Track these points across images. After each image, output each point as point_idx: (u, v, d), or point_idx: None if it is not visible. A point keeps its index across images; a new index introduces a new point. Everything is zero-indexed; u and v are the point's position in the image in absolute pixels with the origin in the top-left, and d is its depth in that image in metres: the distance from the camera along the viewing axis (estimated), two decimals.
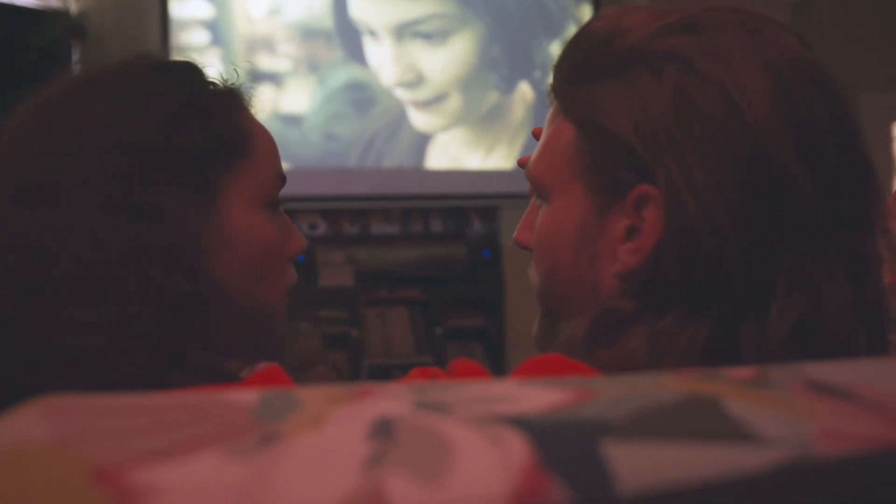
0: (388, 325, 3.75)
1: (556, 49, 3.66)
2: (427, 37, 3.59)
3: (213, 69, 0.71)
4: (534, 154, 0.59)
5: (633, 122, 0.51)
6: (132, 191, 0.61)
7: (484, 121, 3.67)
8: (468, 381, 0.36)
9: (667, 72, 0.51)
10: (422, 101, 3.62)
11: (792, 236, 0.49)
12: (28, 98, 0.67)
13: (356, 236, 3.76)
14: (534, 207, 0.61)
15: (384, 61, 3.58)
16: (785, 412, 0.31)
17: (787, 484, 0.28)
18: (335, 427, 0.30)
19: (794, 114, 0.50)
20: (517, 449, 0.28)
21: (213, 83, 0.70)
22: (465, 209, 3.77)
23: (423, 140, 3.65)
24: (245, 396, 0.33)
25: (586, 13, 3.67)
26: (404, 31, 3.58)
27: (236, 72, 0.72)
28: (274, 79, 3.48)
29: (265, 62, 3.47)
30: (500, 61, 3.66)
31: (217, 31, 3.44)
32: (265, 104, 3.31)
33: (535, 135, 0.63)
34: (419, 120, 3.63)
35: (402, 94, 3.61)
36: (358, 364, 3.65)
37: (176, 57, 0.71)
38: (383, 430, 0.29)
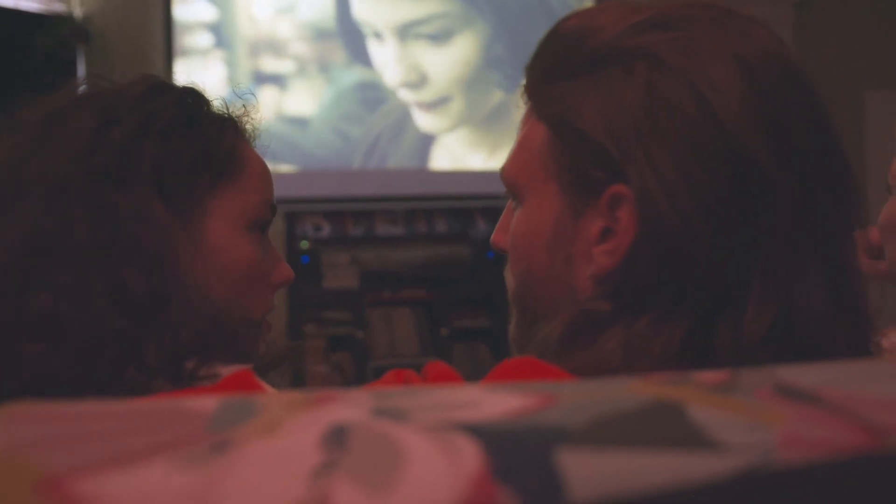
0: (392, 326, 3.75)
1: None
2: (431, 37, 3.58)
3: (218, 99, 0.74)
4: (508, 155, 0.58)
5: (605, 121, 0.50)
6: (102, 188, 0.63)
7: (488, 121, 3.66)
8: (433, 387, 0.35)
9: (638, 69, 0.50)
10: (426, 103, 3.61)
11: (766, 233, 0.49)
12: (32, 102, 0.70)
13: (361, 237, 3.76)
14: (510, 210, 0.60)
15: (388, 62, 3.57)
16: (749, 418, 0.30)
17: (747, 491, 0.28)
18: (289, 434, 0.29)
19: (765, 108, 0.49)
20: (469, 457, 0.28)
21: (211, 108, 0.73)
22: (469, 210, 3.76)
23: (426, 141, 3.65)
24: (204, 403, 0.33)
25: None
26: (408, 32, 3.57)
27: (240, 99, 0.75)
28: (278, 80, 3.49)
29: (269, 64, 3.48)
30: (504, 60, 3.66)
31: (220, 34, 3.45)
32: (269, 106, 3.33)
33: None
34: (423, 121, 3.63)
35: (406, 95, 3.61)
36: (363, 365, 3.65)
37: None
38: (336, 437, 0.29)
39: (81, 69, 3.30)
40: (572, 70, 0.53)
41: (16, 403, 0.32)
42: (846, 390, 0.33)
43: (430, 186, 3.66)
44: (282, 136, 3.41)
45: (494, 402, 0.32)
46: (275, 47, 3.50)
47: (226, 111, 0.73)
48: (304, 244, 3.68)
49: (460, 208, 3.76)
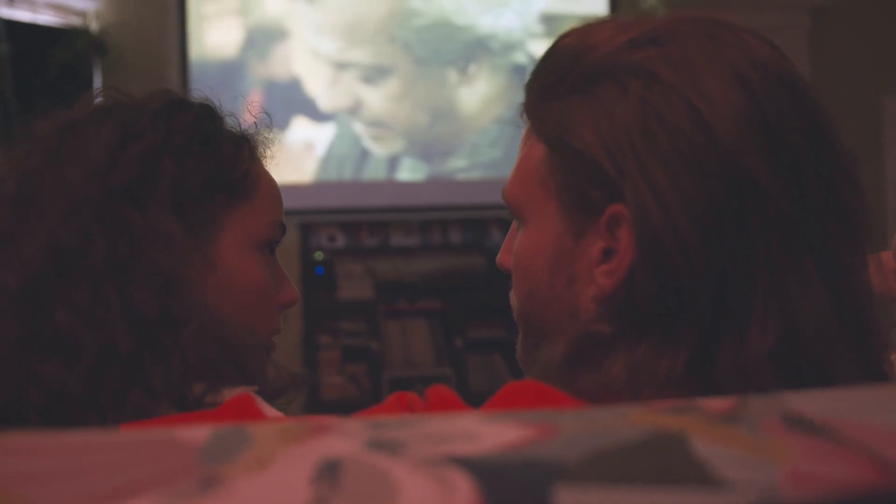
0: (407, 337, 3.75)
1: None
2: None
3: (232, 117, 0.73)
4: (510, 175, 0.57)
5: (600, 139, 0.49)
6: (120, 206, 0.63)
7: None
8: (430, 416, 0.35)
9: (632, 86, 0.49)
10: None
11: (765, 251, 0.47)
12: (50, 113, 0.70)
13: (375, 248, 3.76)
14: (514, 230, 0.59)
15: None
16: (754, 453, 0.29)
17: None
18: (280, 470, 0.29)
19: (763, 121, 0.48)
20: (463, 493, 0.27)
21: (226, 126, 0.72)
22: (483, 220, 3.76)
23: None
24: (196, 434, 0.32)
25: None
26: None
27: (252, 117, 0.75)
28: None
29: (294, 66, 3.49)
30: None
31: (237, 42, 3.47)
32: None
33: None
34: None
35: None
36: (378, 376, 3.65)
37: (197, 91, 0.74)
38: (328, 473, 0.28)
39: (98, 82, 3.33)
40: (568, 88, 0.52)
41: (8, 434, 0.32)
42: (857, 420, 0.32)
43: (445, 197, 3.66)
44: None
45: (491, 433, 0.31)
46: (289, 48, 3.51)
47: (239, 129, 0.73)
48: (319, 255, 3.68)
49: (475, 218, 3.75)
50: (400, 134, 3.58)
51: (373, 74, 3.53)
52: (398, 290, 3.76)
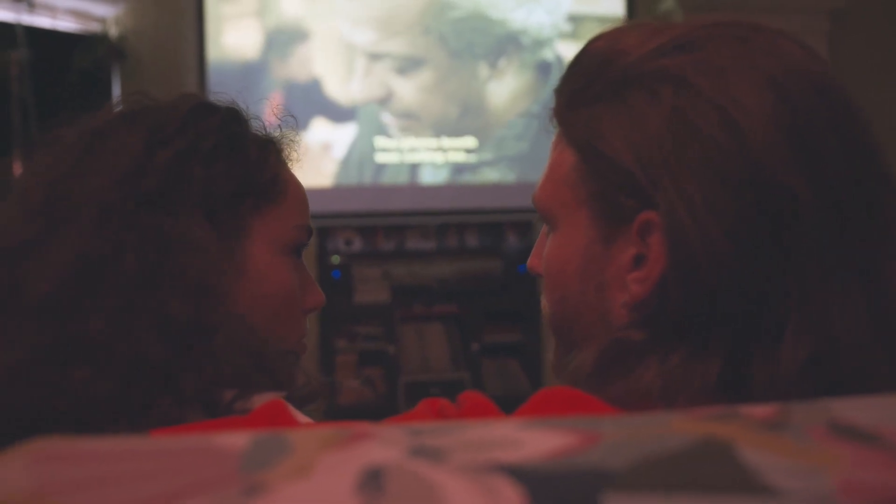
0: (424, 341, 3.74)
1: None
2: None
3: (257, 120, 0.73)
4: (540, 180, 0.57)
5: (631, 147, 0.49)
6: (151, 213, 0.63)
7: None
8: (469, 423, 0.34)
9: (663, 93, 0.48)
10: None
11: (799, 262, 0.46)
12: (74, 119, 0.70)
13: (392, 252, 3.76)
14: (544, 235, 0.59)
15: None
16: (804, 461, 0.29)
17: None
18: (322, 477, 0.28)
19: (796, 129, 0.47)
20: (511, 501, 0.26)
21: (251, 129, 0.72)
22: (500, 224, 3.75)
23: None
24: (234, 441, 0.32)
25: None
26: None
27: (277, 119, 0.74)
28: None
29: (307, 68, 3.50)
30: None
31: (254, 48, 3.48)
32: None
33: None
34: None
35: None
36: (394, 380, 3.64)
37: (218, 95, 0.73)
38: (373, 480, 0.28)
39: (117, 88, 3.35)
40: (598, 94, 0.51)
41: (41, 441, 0.31)
42: None
43: (462, 201, 3.66)
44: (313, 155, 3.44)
45: (534, 440, 0.31)
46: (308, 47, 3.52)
47: (264, 131, 0.73)
48: (336, 259, 3.69)
49: (491, 223, 3.75)
50: (428, 126, 3.58)
51: (406, 65, 3.54)
52: (414, 294, 3.75)
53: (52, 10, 3.32)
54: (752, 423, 0.32)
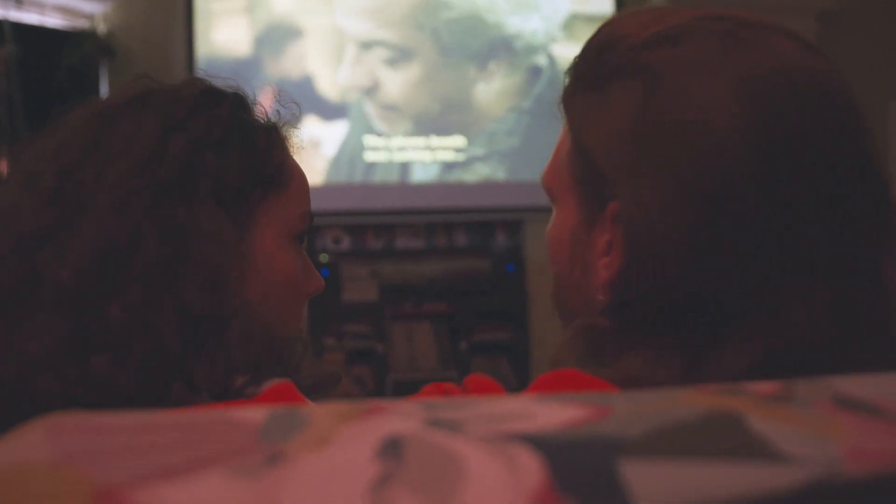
0: (413, 340, 3.74)
1: None
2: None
3: (260, 106, 0.73)
4: (548, 161, 0.59)
5: (602, 138, 0.51)
6: (167, 202, 0.63)
7: None
8: (482, 398, 0.35)
9: (636, 87, 0.49)
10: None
11: (749, 265, 0.46)
12: (81, 102, 0.69)
13: (381, 251, 3.76)
14: None
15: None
16: (811, 430, 0.30)
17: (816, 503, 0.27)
18: (342, 446, 0.29)
19: (759, 133, 0.47)
20: (530, 469, 0.27)
21: (257, 115, 0.72)
22: (489, 223, 3.76)
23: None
24: (252, 414, 0.32)
25: None
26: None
27: (279, 106, 0.74)
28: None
29: (292, 66, 3.50)
30: None
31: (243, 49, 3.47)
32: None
33: None
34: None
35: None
36: (383, 379, 3.65)
37: (220, 83, 0.73)
38: (392, 449, 0.29)
39: (105, 85, 3.34)
40: (590, 82, 0.53)
41: (59, 415, 0.32)
42: None
43: (451, 200, 3.66)
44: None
45: (548, 413, 0.32)
46: (298, 48, 3.52)
47: (267, 118, 0.73)
48: (325, 257, 3.69)
49: (481, 222, 3.75)
50: (409, 119, 3.58)
51: (396, 57, 3.54)
52: (403, 293, 3.76)
53: (40, 7, 3.30)
54: (757, 397, 0.33)
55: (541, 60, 3.61)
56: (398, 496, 0.26)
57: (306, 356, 0.66)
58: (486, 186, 3.66)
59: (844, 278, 0.48)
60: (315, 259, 3.66)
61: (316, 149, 3.54)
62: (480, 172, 3.63)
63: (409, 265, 3.79)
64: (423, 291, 3.76)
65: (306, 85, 3.51)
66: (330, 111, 3.54)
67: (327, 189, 3.53)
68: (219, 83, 0.72)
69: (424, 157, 3.61)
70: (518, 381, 3.68)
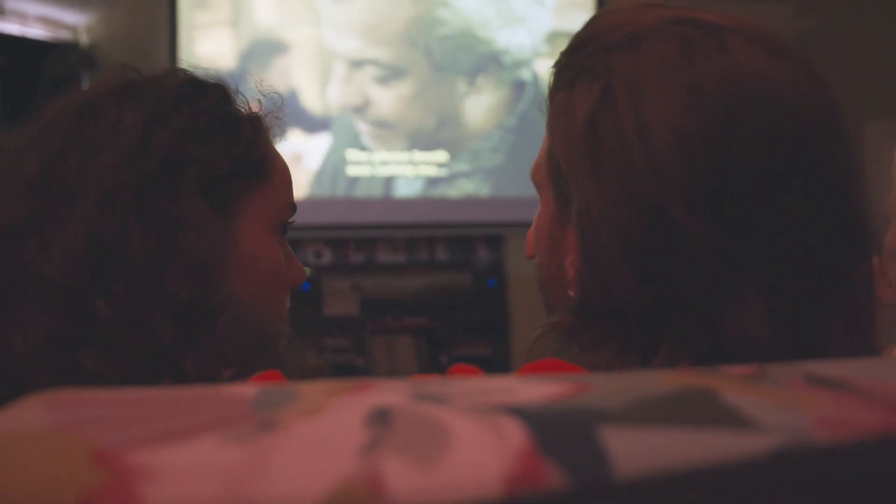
0: (393, 354, 3.74)
1: None
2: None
3: (241, 96, 0.73)
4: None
5: (564, 138, 0.52)
6: (153, 195, 0.63)
7: None
8: (465, 378, 0.36)
9: (592, 90, 0.50)
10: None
11: (682, 269, 0.47)
12: (62, 95, 0.69)
13: (362, 265, 3.77)
14: None
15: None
16: (782, 402, 0.31)
17: (785, 469, 0.28)
18: (333, 415, 0.30)
19: (702, 143, 0.47)
20: (514, 435, 0.28)
21: (239, 105, 0.72)
22: (470, 238, 3.78)
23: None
24: (244, 390, 0.33)
25: None
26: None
27: (261, 96, 0.75)
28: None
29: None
30: None
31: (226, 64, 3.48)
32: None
33: None
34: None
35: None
36: None
37: (207, 76, 0.73)
38: (381, 418, 0.30)
39: None
40: (564, 81, 0.54)
41: (55, 390, 0.33)
42: (875, 380, 0.33)
43: (433, 215, 3.68)
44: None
45: (530, 388, 0.33)
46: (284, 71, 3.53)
47: (249, 109, 0.73)
48: (306, 271, 3.69)
49: (462, 236, 3.77)
50: (402, 136, 3.59)
51: (388, 75, 3.55)
52: (384, 307, 3.76)
53: (22, 17, 3.30)
54: (732, 376, 0.34)
55: (526, 75, 3.64)
56: (386, 458, 0.27)
57: (291, 349, 0.67)
58: (468, 202, 3.68)
59: (788, 282, 0.48)
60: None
61: (298, 162, 3.54)
62: (465, 189, 3.65)
63: (391, 279, 3.79)
64: (405, 306, 3.77)
65: (292, 99, 3.53)
66: (313, 124, 3.55)
67: (309, 203, 3.53)
68: (200, 73, 0.72)
69: (408, 172, 3.62)
70: None
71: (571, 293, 0.52)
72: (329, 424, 0.29)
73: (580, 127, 0.50)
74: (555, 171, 0.54)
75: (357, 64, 3.55)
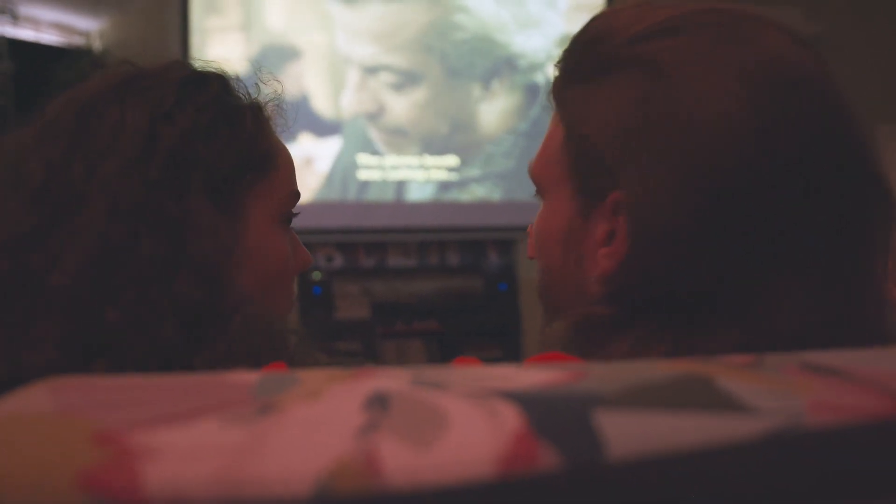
0: (404, 358, 3.75)
1: None
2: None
3: (241, 83, 0.72)
4: (537, 151, 0.60)
5: (605, 128, 0.51)
6: (161, 199, 0.62)
7: None
8: (466, 367, 0.36)
9: (638, 77, 0.51)
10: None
11: (749, 252, 0.48)
12: (59, 95, 0.67)
13: (373, 269, 3.77)
14: None
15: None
16: (777, 387, 0.31)
17: (779, 451, 0.28)
18: (332, 399, 0.30)
19: (762, 123, 0.48)
20: (510, 417, 0.29)
21: (241, 95, 0.71)
22: (481, 242, 3.78)
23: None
24: (245, 376, 0.34)
25: None
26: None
27: (261, 83, 0.74)
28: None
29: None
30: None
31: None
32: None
33: None
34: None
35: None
36: None
37: (207, 67, 0.72)
38: (379, 401, 0.30)
39: None
40: (585, 74, 0.54)
41: (59, 378, 0.33)
42: (868, 366, 0.33)
43: (443, 219, 3.68)
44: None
45: (528, 375, 0.33)
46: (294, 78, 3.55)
47: (249, 97, 0.72)
48: (317, 275, 3.69)
49: (473, 240, 3.77)
50: (416, 142, 3.60)
51: (403, 81, 3.56)
52: (395, 311, 3.76)
53: (35, 23, 3.33)
54: (729, 364, 0.35)
55: (539, 78, 3.64)
56: (383, 439, 0.27)
57: (302, 347, 0.66)
58: (479, 206, 3.68)
59: (835, 271, 0.49)
60: (307, 277, 3.67)
61: (309, 165, 3.56)
62: (476, 193, 3.66)
63: (402, 283, 3.80)
64: (415, 310, 3.77)
65: (303, 103, 3.54)
66: (324, 128, 3.56)
67: (320, 206, 3.54)
68: (199, 65, 0.71)
69: (419, 176, 3.63)
70: None
71: (597, 287, 0.52)
72: (327, 408, 0.30)
73: (629, 112, 0.50)
74: (584, 164, 0.53)
75: (371, 70, 3.56)
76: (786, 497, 0.28)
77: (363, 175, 3.60)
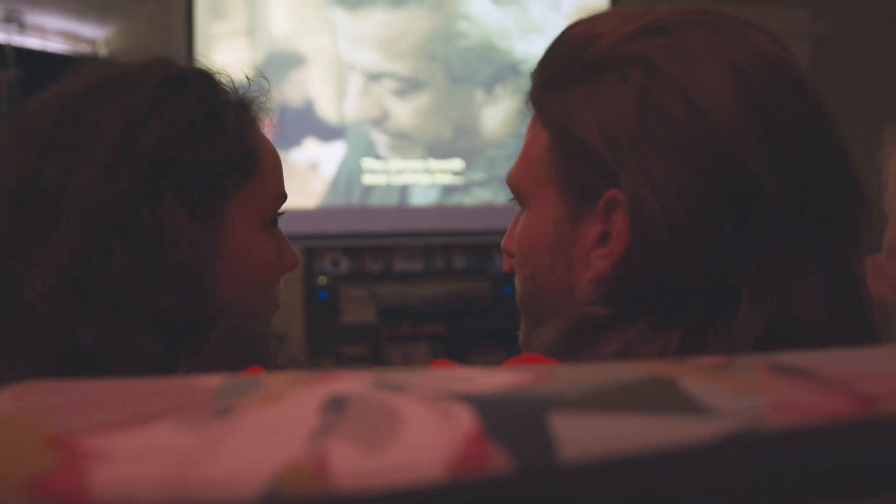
0: (411, 362, 3.74)
1: None
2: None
3: (226, 78, 0.70)
4: (515, 161, 0.60)
5: (600, 127, 0.51)
6: (135, 209, 0.60)
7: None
8: (433, 369, 0.36)
9: (632, 75, 0.51)
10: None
11: (757, 239, 0.48)
12: (40, 95, 0.65)
13: (379, 273, 3.78)
14: (518, 215, 0.61)
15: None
16: (740, 388, 0.31)
17: (737, 453, 0.28)
18: (290, 403, 0.30)
19: (759, 113, 0.49)
20: (464, 420, 0.28)
21: (225, 93, 0.69)
22: (487, 245, 3.78)
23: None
24: (210, 379, 0.34)
25: None
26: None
27: (248, 79, 0.72)
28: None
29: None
30: None
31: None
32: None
33: None
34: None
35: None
36: None
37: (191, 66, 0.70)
38: (336, 404, 0.30)
39: None
40: (571, 77, 0.54)
41: (25, 383, 0.33)
42: (836, 366, 0.33)
43: (449, 223, 3.68)
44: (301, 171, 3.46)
45: (490, 378, 0.33)
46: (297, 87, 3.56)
47: (235, 93, 0.70)
48: (323, 279, 3.70)
49: (478, 244, 3.77)
50: (420, 147, 3.61)
51: (405, 88, 3.57)
52: (401, 315, 3.76)
53: (42, 32, 3.35)
54: (698, 366, 0.34)
55: None
56: (335, 443, 0.27)
57: (284, 350, 0.64)
58: (484, 210, 3.68)
59: (831, 267, 0.50)
60: (314, 281, 3.67)
61: (314, 170, 3.56)
62: (480, 197, 3.66)
63: (407, 287, 3.80)
64: (421, 313, 3.77)
65: (308, 110, 3.55)
66: (328, 133, 3.57)
67: (326, 211, 3.55)
68: (182, 64, 0.69)
69: (423, 180, 3.63)
70: None
71: (589, 289, 0.52)
72: (284, 411, 0.30)
73: (626, 109, 0.50)
74: (574, 166, 0.53)
75: (375, 77, 3.57)
76: (744, 499, 0.28)
77: (368, 179, 3.60)
